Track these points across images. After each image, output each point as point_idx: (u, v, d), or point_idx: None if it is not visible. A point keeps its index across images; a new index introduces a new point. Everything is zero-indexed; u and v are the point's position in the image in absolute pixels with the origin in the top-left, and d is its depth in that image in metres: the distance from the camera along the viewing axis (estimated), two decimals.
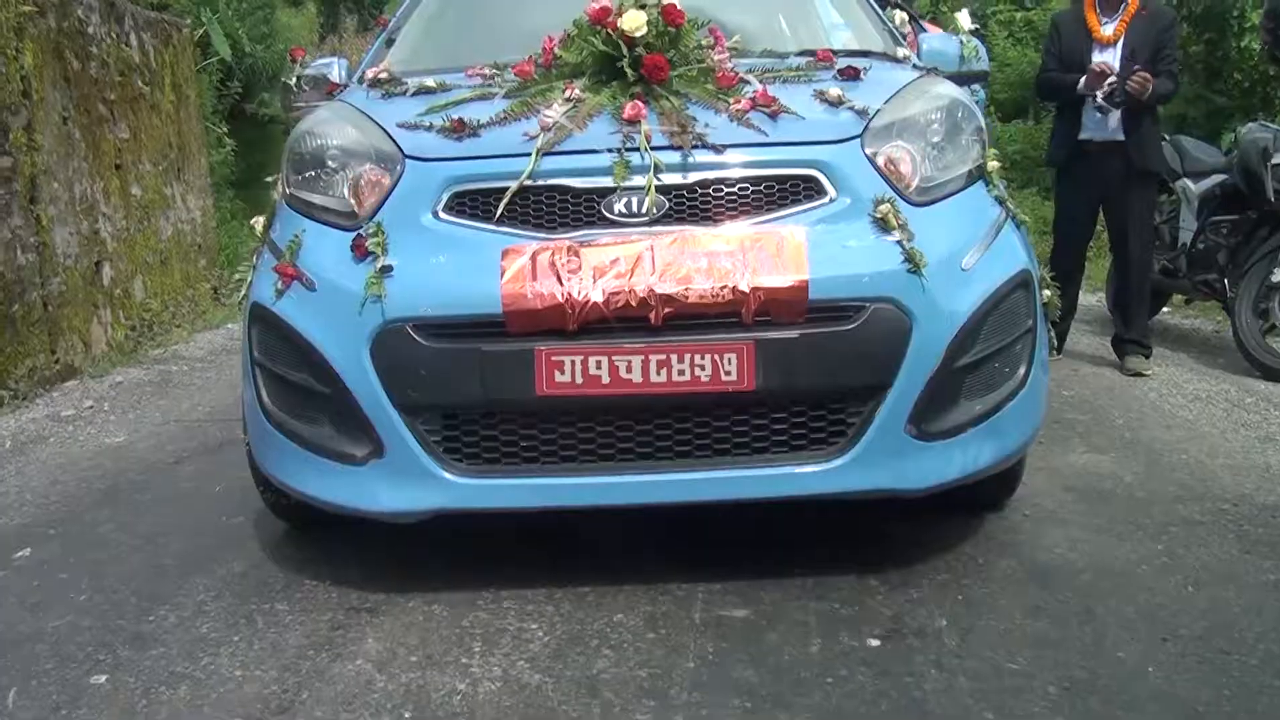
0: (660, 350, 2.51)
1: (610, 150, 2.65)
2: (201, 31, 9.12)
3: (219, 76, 9.36)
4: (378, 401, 2.61)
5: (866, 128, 2.76)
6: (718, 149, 2.67)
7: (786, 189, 2.67)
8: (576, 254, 2.55)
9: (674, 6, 2.88)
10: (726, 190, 2.65)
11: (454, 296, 2.57)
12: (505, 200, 2.62)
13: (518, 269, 2.54)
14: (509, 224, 2.64)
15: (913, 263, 2.59)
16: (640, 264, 2.53)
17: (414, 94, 3.06)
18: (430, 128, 2.80)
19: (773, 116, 2.75)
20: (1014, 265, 2.81)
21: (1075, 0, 5.78)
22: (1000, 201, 2.92)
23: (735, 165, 2.67)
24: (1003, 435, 2.81)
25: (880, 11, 3.89)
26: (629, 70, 2.82)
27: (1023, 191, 10.90)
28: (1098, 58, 5.39)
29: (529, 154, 2.65)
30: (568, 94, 2.82)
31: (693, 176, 2.65)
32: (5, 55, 5.86)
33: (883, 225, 2.64)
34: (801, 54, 3.32)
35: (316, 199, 2.85)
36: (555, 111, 2.74)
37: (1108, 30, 5.45)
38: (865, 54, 3.42)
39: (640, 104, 2.73)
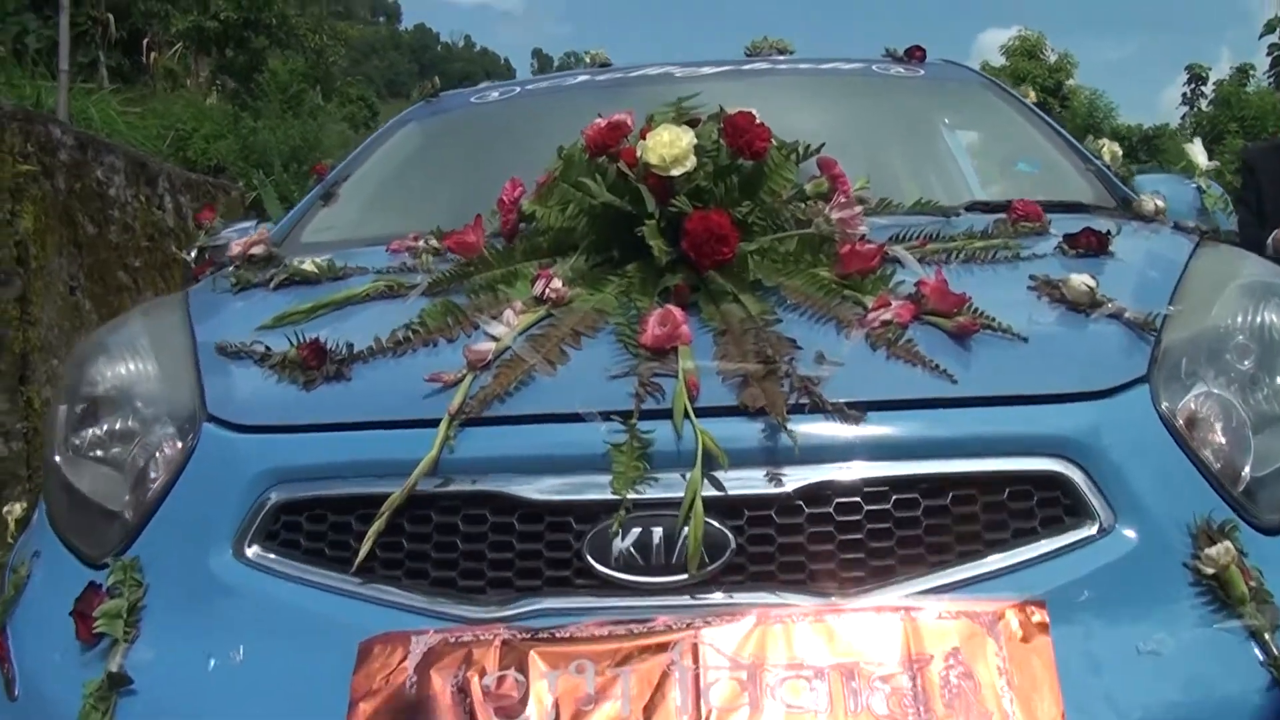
0: None
1: (608, 417, 1.13)
2: (255, 194, 8.02)
3: None
4: None
5: (1156, 358, 1.23)
6: (847, 414, 1.13)
7: (1000, 507, 1.12)
8: (523, 663, 1.03)
9: (749, 117, 1.38)
10: (868, 511, 1.11)
11: None
12: (376, 527, 1.12)
13: (386, 698, 1.03)
14: (383, 579, 1.14)
15: None
16: (664, 696, 1.00)
17: (280, 285, 1.61)
18: (264, 359, 1.33)
19: (960, 336, 1.22)
20: None
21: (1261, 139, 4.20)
22: None
23: (883, 452, 1.13)
24: None
25: (1078, 142, 2.37)
26: (656, 245, 1.33)
27: None
28: None
29: (435, 422, 1.16)
30: (537, 289, 1.33)
31: (792, 479, 1.10)
32: None
33: (1218, 590, 1.08)
34: (975, 207, 1.83)
35: (83, 483, 1.38)
36: (501, 326, 1.25)
37: None
38: (1076, 207, 1.91)
39: (677, 315, 1.22)
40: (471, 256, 1.44)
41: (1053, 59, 19.25)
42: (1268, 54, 10.61)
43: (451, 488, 1.13)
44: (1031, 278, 1.36)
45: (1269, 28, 10.17)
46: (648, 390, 1.14)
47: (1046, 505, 1.11)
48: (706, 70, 2.56)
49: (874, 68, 2.62)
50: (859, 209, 1.34)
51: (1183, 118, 14.55)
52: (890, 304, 1.24)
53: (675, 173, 1.31)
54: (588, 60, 2.83)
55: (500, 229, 1.51)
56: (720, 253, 1.25)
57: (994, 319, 1.23)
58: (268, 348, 1.33)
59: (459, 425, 1.14)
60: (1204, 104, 14.37)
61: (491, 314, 1.29)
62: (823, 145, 1.49)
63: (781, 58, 2.80)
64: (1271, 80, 12.55)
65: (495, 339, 1.23)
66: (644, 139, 1.34)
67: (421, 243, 1.65)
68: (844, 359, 1.18)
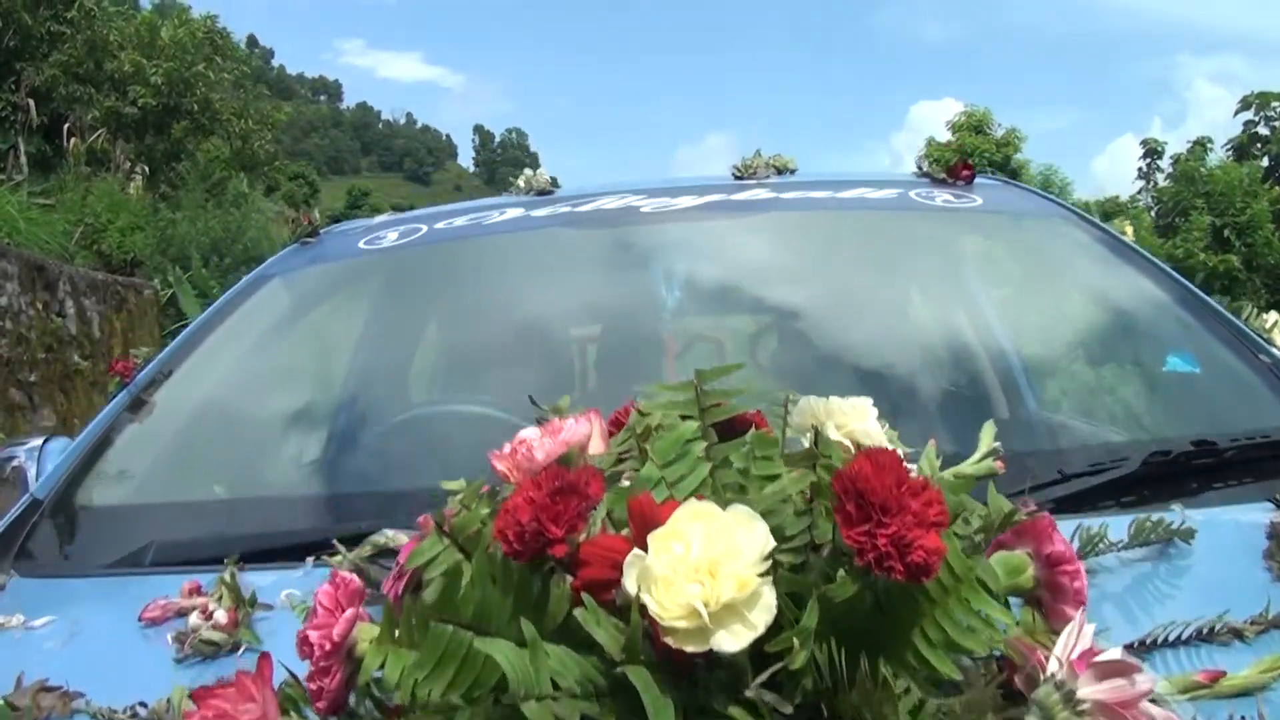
0: None
1: None
2: (170, 292, 7.15)
3: None
4: None
5: None
6: None
7: None
8: None
9: (890, 471, 0.55)
10: None
11: None
12: None
13: None
14: None
15: None
16: None
17: None
18: None
19: None
20: None
21: None
22: None
23: None
24: None
25: (1202, 294, 1.58)
26: None
27: None
28: None
29: None
30: None
31: None
32: None
33: None
34: (1155, 458, 1.04)
35: None
36: None
37: None
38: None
39: None
40: None
41: (1000, 133, 18.75)
42: (1244, 129, 10.14)
43: None
44: None
45: (1245, 104, 9.71)
46: None
47: None
48: (684, 203, 1.76)
49: (913, 195, 1.84)
50: (1146, 680, 0.53)
51: (1139, 191, 14.01)
52: None
53: (728, 648, 0.49)
54: (521, 185, 2.01)
55: (311, 701, 0.66)
56: None
57: None
58: None
59: None
60: (1161, 178, 13.87)
61: None
62: (1048, 503, 0.68)
63: (782, 179, 2.00)
64: (1232, 153, 12.09)
65: None
66: (641, 531, 0.51)
67: (193, 620, 0.81)
68: None
